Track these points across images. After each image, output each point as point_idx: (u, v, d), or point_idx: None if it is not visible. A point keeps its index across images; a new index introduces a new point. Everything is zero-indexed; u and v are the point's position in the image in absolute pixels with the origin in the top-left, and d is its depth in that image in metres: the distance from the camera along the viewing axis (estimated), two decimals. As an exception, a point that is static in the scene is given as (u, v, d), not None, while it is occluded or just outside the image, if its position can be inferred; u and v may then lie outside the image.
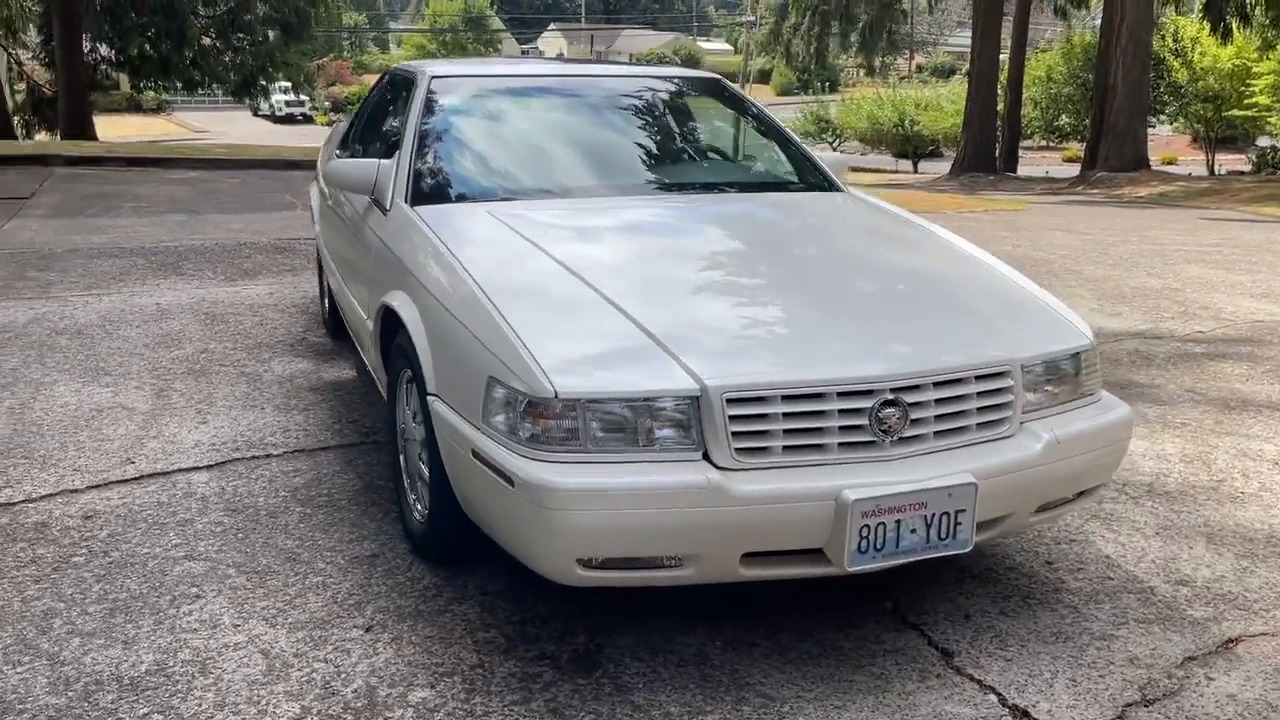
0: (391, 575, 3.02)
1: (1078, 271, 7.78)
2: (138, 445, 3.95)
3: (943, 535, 2.41)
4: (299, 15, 21.55)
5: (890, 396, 2.42)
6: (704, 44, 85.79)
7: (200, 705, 2.39)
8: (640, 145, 3.86)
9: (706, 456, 2.35)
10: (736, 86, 4.39)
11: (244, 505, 3.45)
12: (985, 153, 24.68)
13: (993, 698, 2.47)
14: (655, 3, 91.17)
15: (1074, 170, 23.32)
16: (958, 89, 36.25)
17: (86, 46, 21.56)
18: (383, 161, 3.60)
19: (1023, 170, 26.93)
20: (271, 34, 22.53)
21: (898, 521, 2.35)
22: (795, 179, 3.95)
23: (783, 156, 4.06)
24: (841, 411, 2.39)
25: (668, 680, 2.52)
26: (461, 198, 3.44)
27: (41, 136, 24.32)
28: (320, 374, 4.92)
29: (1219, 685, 2.53)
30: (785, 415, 2.37)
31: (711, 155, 3.95)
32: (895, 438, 2.43)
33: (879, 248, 3.22)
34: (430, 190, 3.46)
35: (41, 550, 3.12)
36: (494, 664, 2.58)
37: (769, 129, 4.15)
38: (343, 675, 2.52)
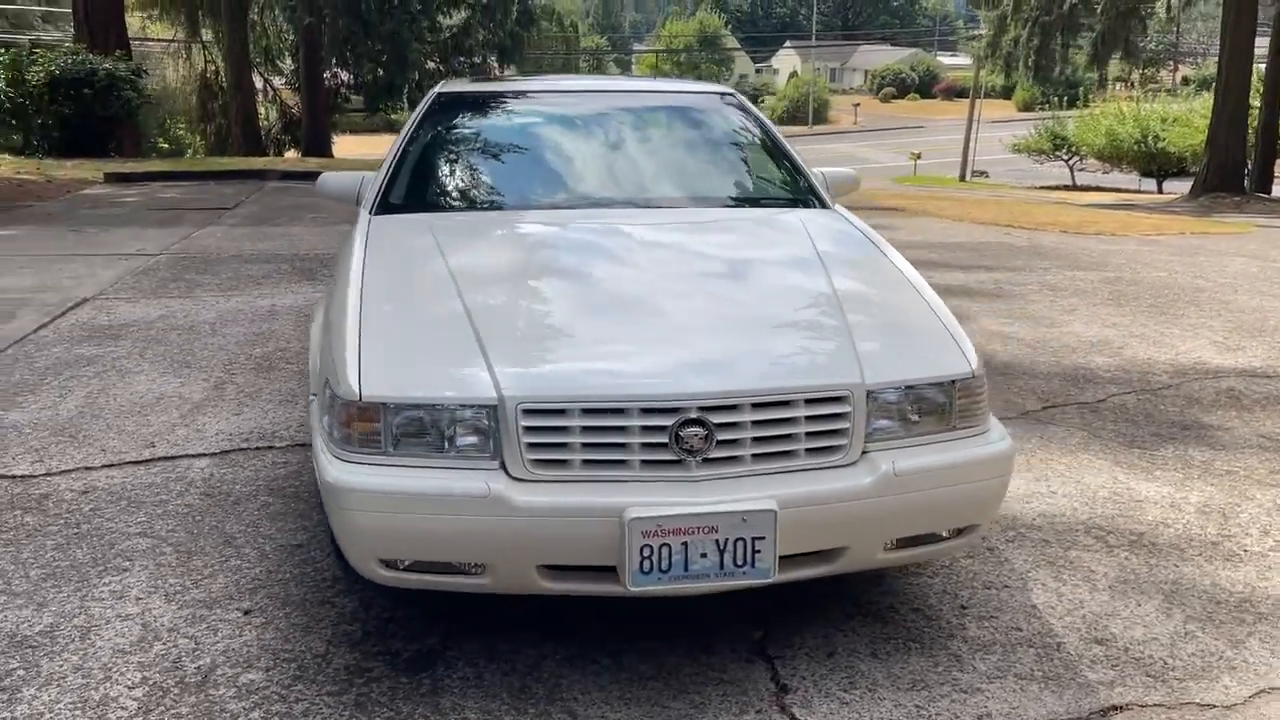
0: (304, 565, 3.18)
1: (1227, 302, 7.06)
2: (167, 432, 4.33)
3: (739, 562, 2.31)
4: (513, 39, 22.67)
5: (695, 415, 2.34)
6: (945, 59, 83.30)
7: (61, 667, 2.63)
8: (617, 159, 3.87)
9: (504, 466, 2.37)
10: (745, 101, 4.31)
11: (219, 491, 3.73)
12: (1232, 172, 22.52)
13: (799, 740, 2.35)
14: (895, 18, 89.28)
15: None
16: (1210, 103, 33.41)
17: (327, 73, 23.56)
18: (367, 174, 3.80)
19: (1277, 191, 24.48)
20: (491, 57, 23.78)
21: (684, 544, 2.28)
22: (779, 195, 3.84)
23: (777, 172, 3.96)
24: (644, 428, 2.35)
25: (485, 688, 2.55)
26: (416, 208, 3.58)
27: (290, 154, 26.74)
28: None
29: (1062, 754, 2.29)
30: (585, 429, 2.35)
31: (693, 170, 3.90)
32: (701, 458, 2.36)
33: (792, 269, 3.09)
34: (394, 201, 3.63)
35: (29, 519, 3.49)
36: (335, 655, 2.68)
37: (770, 145, 4.05)
38: (196, 652, 2.69)
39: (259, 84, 25.40)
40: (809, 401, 2.42)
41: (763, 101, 69.02)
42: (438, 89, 4.24)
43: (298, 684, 2.56)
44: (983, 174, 39.81)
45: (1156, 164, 34.96)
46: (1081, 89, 41.33)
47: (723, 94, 4.38)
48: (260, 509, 3.58)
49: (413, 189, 3.70)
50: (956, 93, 62.94)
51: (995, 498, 2.63)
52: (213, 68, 25.56)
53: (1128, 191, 30.11)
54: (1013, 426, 4.40)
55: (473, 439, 2.39)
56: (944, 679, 2.58)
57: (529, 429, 2.34)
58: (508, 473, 2.36)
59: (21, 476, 3.84)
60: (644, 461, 2.35)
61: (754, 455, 2.40)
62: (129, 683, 2.56)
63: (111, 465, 3.96)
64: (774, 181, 3.91)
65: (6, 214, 10.78)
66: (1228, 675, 2.61)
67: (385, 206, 3.59)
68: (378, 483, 2.35)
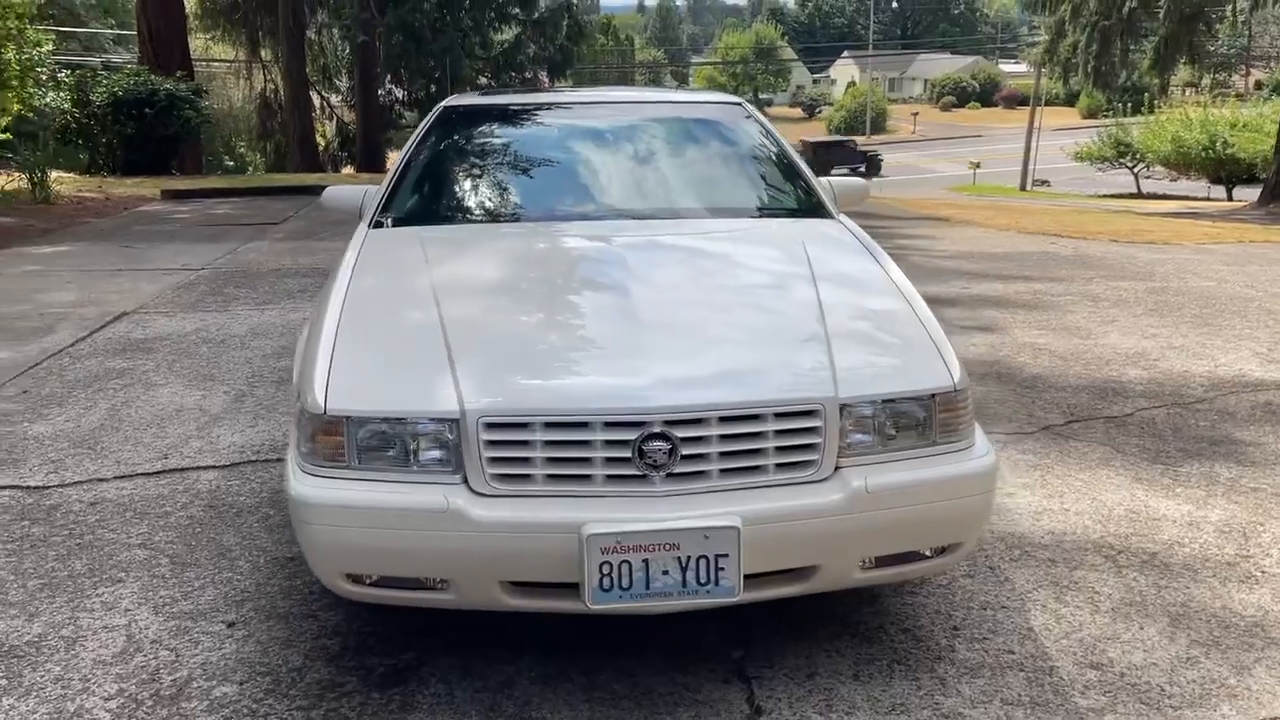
0: (294, 577, 3.19)
1: (1275, 312, 6.81)
2: (182, 444, 4.38)
3: (702, 580, 2.26)
4: (563, 53, 22.83)
5: (659, 430, 2.30)
6: (1008, 66, 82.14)
7: (43, 677, 2.65)
8: (617, 172, 3.84)
9: (466, 481, 2.34)
10: (755, 110, 4.25)
11: (223, 503, 3.76)
12: (1301, 178, 21.84)
13: (766, 764, 2.28)
14: (955, 26, 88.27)
15: None
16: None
17: (382, 90, 23.93)
18: (371, 187, 3.82)
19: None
20: (542, 72, 23.96)
21: (645, 561, 2.24)
22: (781, 205, 3.78)
23: (781, 183, 3.90)
24: (606, 443, 2.30)
25: (455, 705, 2.52)
26: (413, 221, 3.58)
27: (346, 169, 27.21)
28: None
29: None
30: (547, 443, 2.31)
31: (693, 181, 3.84)
32: (665, 473, 2.31)
33: (780, 280, 3.02)
34: (393, 214, 3.64)
35: (36, 529, 3.54)
36: (311, 669, 2.68)
37: (776, 155, 3.99)
38: (175, 664, 2.71)
39: (316, 102, 25.88)
40: (779, 415, 2.36)
41: (820, 112, 68.58)
42: (445, 102, 4.25)
43: (269, 698, 2.55)
44: (1044, 183, 39.09)
45: (1225, 170, 34.04)
46: (1146, 95, 40.38)
47: (731, 103, 4.33)
48: (260, 521, 3.60)
49: (411, 202, 3.71)
50: (1019, 100, 61.94)
51: (978, 515, 2.54)
52: (272, 86, 26.10)
53: (1195, 199, 29.36)
54: (1032, 441, 4.29)
55: (436, 453, 2.37)
56: (926, 703, 2.49)
57: (490, 443, 2.32)
58: (470, 487, 2.33)
59: (35, 487, 3.91)
60: (607, 476, 2.31)
61: (721, 470, 2.34)
62: (105, 694, 2.58)
63: (123, 477, 4.02)
64: (777, 192, 3.85)
65: (63, 231, 11.08)
66: (1227, 703, 2.49)
67: (383, 220, 3.60)
68: (340, 497, 2.34)
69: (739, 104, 4.32)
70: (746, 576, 2.31)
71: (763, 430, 2.35)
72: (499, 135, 4.10)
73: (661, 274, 3.06)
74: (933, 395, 2.49)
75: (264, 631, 2.87)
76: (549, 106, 4.39)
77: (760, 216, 3.64)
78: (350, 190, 3.89)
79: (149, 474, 4.05)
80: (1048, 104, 49.90)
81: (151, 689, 2.60)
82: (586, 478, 2.32)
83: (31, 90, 19.74)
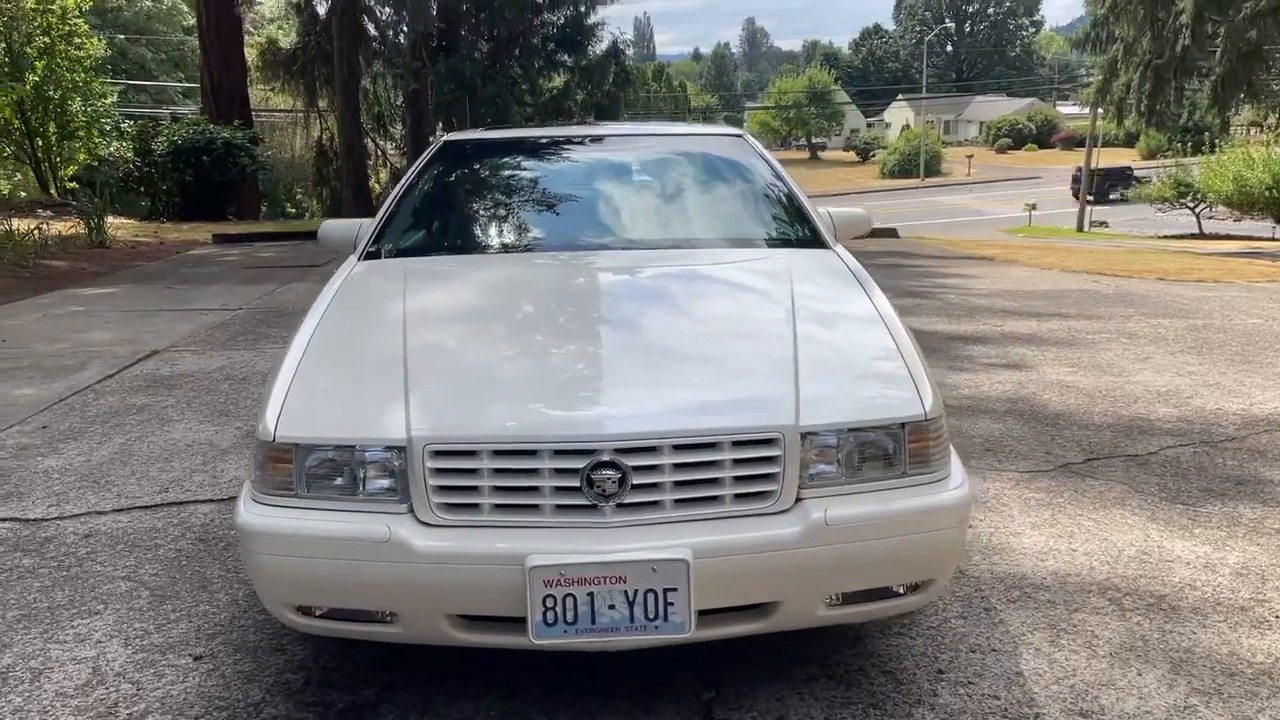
0: (269, 611, 3.14)
1: (1323, 348, 6.55)
2: (186, 478, 4.39)
3: (650, 615, 2.17)
4: (610, 99, 23.03)
5: (608, 458, 2.22)
6: (1066, 109, 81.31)
7: (2, 708, 2.63)
8: (608, 204, 3.79)
9: (412, 511, 2.28)
10: (755, 142, 4.18)
11: (213, 536, 3.74)
12: (1366, 217, 21.23)
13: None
14: (1011, 69, 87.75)
15: None
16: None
17: (432, 137, 24.32)
18: (365, 221, 3.82)
19: None
20: (589, 117, 24.17)
21: (590, 595, 2.15)
22: (773, 235, 3.69)
23: (777, 213, 3.82)
24: (555, 471, 2.23)
25: (407, 742, 2.44)
26: (401, 253, 3.57)
27: (400, 215, 27.61)
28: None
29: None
30: (495, 471, 2.25)
31: (684, 212, 3.78)
32: (615, 503, 2.23)
33: (757, 309, 2.93)
34: (382, 247, 3.62)
35: (27, 560, 3.55)
36: (269, 704, 2.62)
37: (774, 186, 3.92)
38: (135, 698, 2.67)
39: (370, 149, 26.38)
40: (736, 444, 2.27)
41: (874, 155, 68.35)
42: (446, 136, 4.25)
43: (222, 732, 2.50)
44: (1103, 224, 38.40)
45: (1291, 210, 33.20)
46: (1207, 134, 39.53)
47: (731, 135, 4.28)
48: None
49: (403, 234, 3.70)
50: (1076, 142, 61.15)
51: (950, 550, 2.42)
52: (328, 135, 26.65)
53: (1259, 239, 28.65)
54: (1046, 480, 4.13)
55: (384, 482, 2.32)
56: (897, 750, 2.36)
57: (436, 470, 2.26)
58: (416, 517, 2.27)
59: (34, 520, 3.93)
60: (556, 506, 2.24)
61: (675, 501, 2.25)
62: (61, 727, 2.54)
63: (121, 510, 4.03)
64: (771, 222, 3.77)
65: (114, 274, 11.35)
66: (1223, 756, 2.33)
67: (373, 253, 3.59)
68: (285, 526, 2.30)
69: (739, 135, 4.27)
70: (700, 612, 2.22)
71: (719, 459, 2.26)
72: (495, 168, 4.10)
73: (637, 305, 3.00)
74: (902, 424, 2.38)
75: (230, 665, 2.82)
76: (549, 140, 4.37)
77: (751, 247, 3.57)
78: (346, 224, 3.90)
79: (147, 507, 4.05)
80: (1106, 145, 49.12)
81: (107, 722, 2.56)
82: (535, 507, 2.24)
83: (97, 140, 20.47)
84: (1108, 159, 46.50)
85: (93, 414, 5.42)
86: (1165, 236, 31.28)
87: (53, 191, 19.96)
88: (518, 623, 2.23)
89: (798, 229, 3.66)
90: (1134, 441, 4.62)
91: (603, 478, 2.21)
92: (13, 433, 5.09)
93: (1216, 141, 38.64)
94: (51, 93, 19.16)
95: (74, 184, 20.29)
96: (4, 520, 3.92)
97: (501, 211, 3.84)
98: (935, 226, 30.43)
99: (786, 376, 2.46)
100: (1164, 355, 6.39)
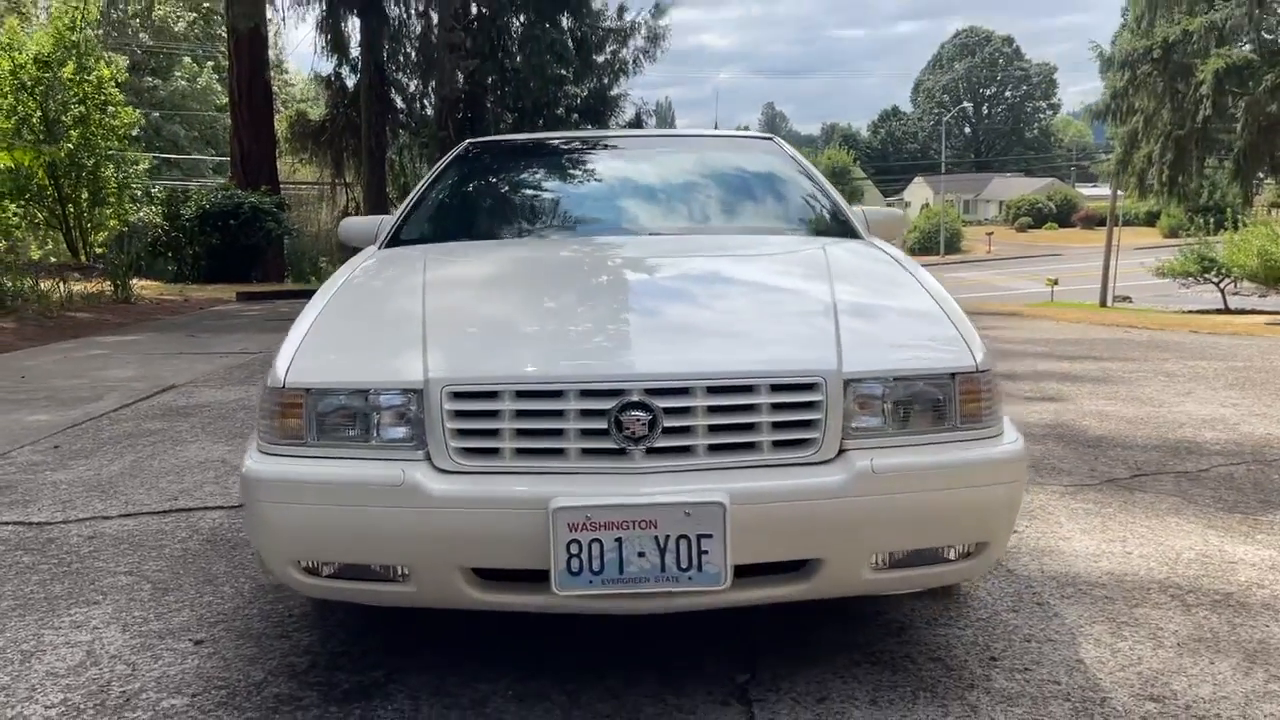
0: (277, 602, 2.97)
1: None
2: (195, 489, 4.25)
3: (683, 565, 2.00)
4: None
5: (638, 399, 2.07)
6: (1085, 189, 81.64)
7: (-11, 685, 2.46)
8: (637, 195, 3.70)
9: (429, 458, 2.13)
10: (786, 145, 4.09)
11: (222, 539, 3.59)
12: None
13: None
14: (1029, 150, 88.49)
15: None
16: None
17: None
18: (386, 216, 3.74)
19: None
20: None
21: (619, 541, 1.98)
22: (809, 224, 3.57)
23: (810, 207, 3.70)
24: (582, 413, 2.08)
25: None
26: (422, 240, 3.47)
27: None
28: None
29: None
30: (518, 414, 2.10)
31: (713, 202, 3.67)
32: (646, 447, 2.07)
33: (792, 276, 2.81)
34: (403, 236, 3.53)
35: (28, 558, 3.41)
36: (272, 684, 2.44)
37: (806, 183, 3.81)
38: (130, 677, 2.50)
39: (395, 218, 26.70)
40: (775, 388, 2.12)
41: (894, 234, 68.48)
42: (469, 140, 4.19)
43: (219, 709, 2.32)
44: (1126, 299, 38.12)
45: (1318, 284, 32.94)
46: (1229, 210, 39.45)
47: (763, 138, 4.19)
48: (255, 555, 3.41)
49: (424, 225, 3.60)
50: (1097, 221, 61.16)
51: (1004, 508, 2.23)
52: (354, 204, 27.02)
53: (1282, 314, 28.39)
54: (1093, 493, 3.93)
55: (400, 430, 2.18)
56: (952, 729, 2.16)
57: (456, 414, 2.11)
58: (432, 463, 2.12)
59: (38, 523, 3.79)
60: (582, 450, 2.09)
61: (709, 447, 2.10)
62: (47, 703, 2.37)
63: (128, 515, 3.89)
64: (805, 213, 3.65)
65: (136, 325, 11.37)
66: (1314, 738, 2.11)
67: (394, 242, 3.50)
68: (291, 471, 2.16)
69: (770, 138, 4.18)
70: (737, 568, 2.04)
71: (756, 403, 2.11)
72: (519, 166, 4.02)
73: (668, 272, 2.87)
74: (952, 374, 2.22)
75: (231, 649, 2.65)
76: (574, 142, 4.31)
77: (783, 235, 3.44)
78: (367, 220, 3.81)
79: (155, 513, 3.91)
80: (1127, 224, 48.94)
81: (98, 699, 2.38)
82: (559, 452, 2.09)
83: (128, 206, 20.78)
84: (1129, 238, 46.40)
85: (106, 437, 5.32)
86: (1190, 311, 31.07)
87: (82, 257, 20.17)
88: (539, 579, 2.06)
89: (832, 221, 3.54)
90: (1182, 460, 4.42)
91: (632, 419, 2.06)
92: (24, 451, 4.99)
93: (1240, 217, 38.55)
94: (85, 159, 19.49)
95: (103, 249, 20.55)
96: (7, 524, 3.78)
97: (526, 203, 3.75)
98: (957, 300, 30.29)
99: (828, 324, 2.31)
100: (1205, 390, 6.20)
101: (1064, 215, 72.37)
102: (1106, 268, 37.62)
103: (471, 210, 3.75)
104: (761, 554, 2.06)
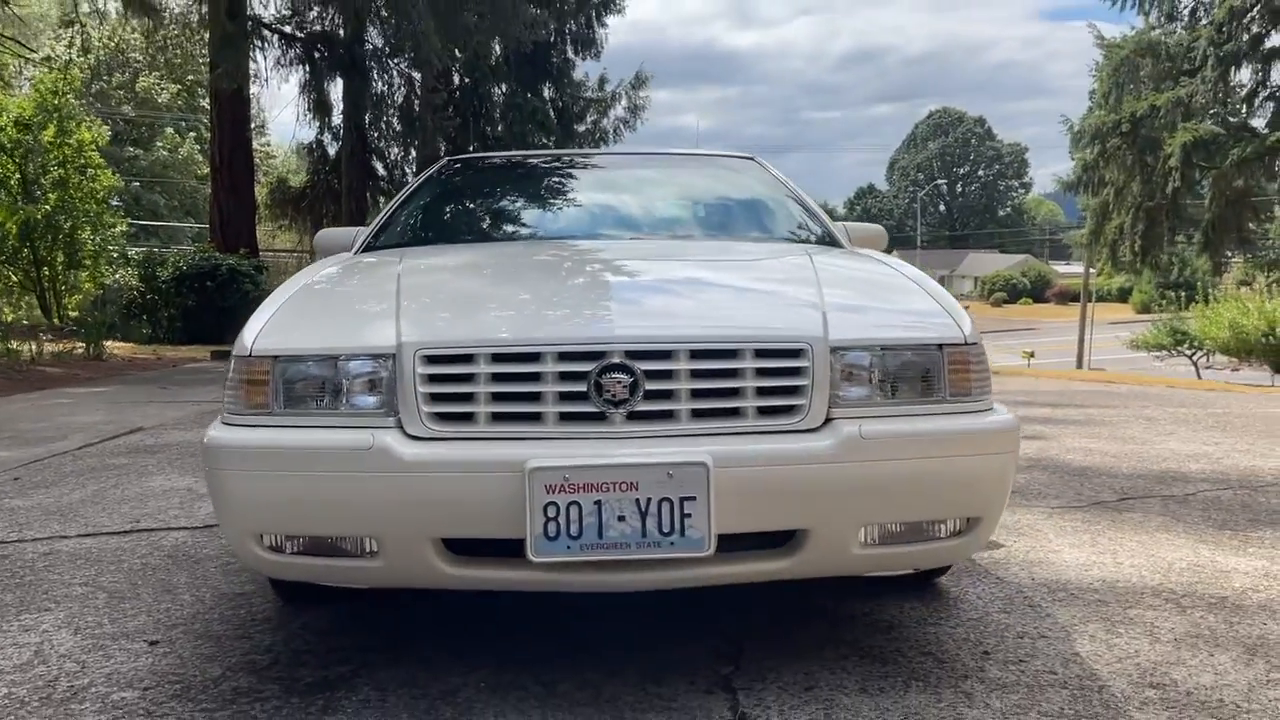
0: (238, 608, 2.85)
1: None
2: (159, 513, 4.11)
3: (665, 529, 1.90)
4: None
5: (619, 361, 2.00)
6: (1060, 266, 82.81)
7: (-72, 681, 2.32)
8: (613, 202, 3.67)
9: (400, 425, 2.04)
10: (766, 164, 4.08)
11: (184, 554, 3.45)
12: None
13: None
14: (1003, 227, 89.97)
15: None
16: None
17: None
18: (362, 228, 3.68)
19: None
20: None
21: (598, 504, 1.89)
22: (790, 233, 3.54)
23: (791, 219, 3.67)
24: (560, 375, 2.01)
25: (385, 710, 2.14)
26: (395, 245, 3.41)
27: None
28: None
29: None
30: (494, 377, 2.02)
31: (696, 211, 3.65)
32: (626, 411, 1.99)
33: (775, 259, 2.77)
34: (380, 243, 3.47)
35: (-21, 572, 3.26)
36: (230, 679, 2.32)
37: (786, 198, 3.78)
38: (79, 674, 2.37)
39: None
40: (760, 354, 2.05)
41: (871, 308, 68.89)
42: (448, 157, 4.17)
43: (172, 702, 2.19)
44: (1101, 370, 38.51)
45: (1288, 358, 33.32)
46: (1199, 285, 40.02)
47: (743, 156, 4.18)
48: (219, 567, 3.28)
49: (401, 233, 3.54)
50: (1071, 297, 61.97)
51: (997, 481, 2.16)
52: (333, 271, 27.03)
53: (1261, 387, 28.68)
54: (1081, 513, 3.86)
55: (370, 398, 2.09)
56: (946, 714, 2.05)
57: (429, 378, 2.03)
58: (404, 430, 2.03)
59: (-8, 542, 3.64)
60: (560, 415, 2.00)
61: (692, 412, 2.02)
62: (-11, 696, 2.23)
63: (87, 535, 3.74)
64: (788, 226, 3.61)
65: (107, 379, 11.18)
66: (1323, 719, 2.02)
67: (370, 249, 3.44)
68: (254, 439, 2.06)
69: (751, 158, 4.17)
70: (721, 539, 1.95)
71: (740, 368, 2.04)
72: (499, 180, 3.99)
73: (649, 260, 2.81)
74: (939, 345, 2.17)
75: (188, 649, 2.52)
76: (555, 159, 4.29)
77: (767, 243, 3.40)
78: (344, 229, 3.75)
79: (115, 533, 3.77)
80: (1101, 300, 49.52)
81: (43, 693, 2.25)
82: (536, 417, 2.01)
83: (104, 270, 20.63)
84: (1102, 314, 47.01)
85: (69, 470, 5.16)
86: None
87: (56, 320, 19.96)
88: (515, 550, 1.96)
89: (816, 232, 3.50)
90: (1169, 486, 4.36)
91: (612, 381, 1.98)
92: (-18, 481, 4.83)
93: (1210, 291, 39.13)
94: (63, 222, 19.40)
95: (76, 313, 20.35)
96: (-41, 541, 3.63)
97: (506, 212, 3.70)
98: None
99: (814, 296, 2.26)
100: (1188, 431, 6.17)
101: (1038, 291, 73.30)
102: (1082, 334, 37.95)
103: (451, 218, 3.70)
104: (746, 522, 1.97)
